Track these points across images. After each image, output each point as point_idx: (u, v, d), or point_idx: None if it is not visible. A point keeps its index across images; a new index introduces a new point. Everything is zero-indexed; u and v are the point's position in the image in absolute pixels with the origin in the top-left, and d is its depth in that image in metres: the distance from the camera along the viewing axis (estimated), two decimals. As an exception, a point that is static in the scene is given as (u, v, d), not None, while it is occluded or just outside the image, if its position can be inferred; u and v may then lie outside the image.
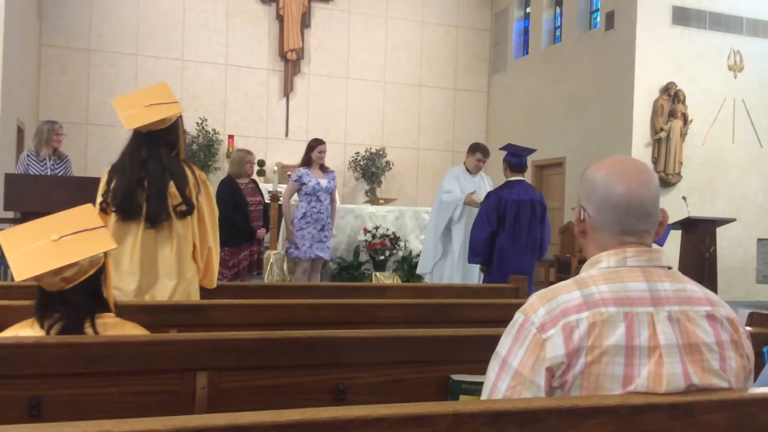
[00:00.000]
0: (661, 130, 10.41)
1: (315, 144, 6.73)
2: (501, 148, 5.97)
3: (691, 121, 10.57)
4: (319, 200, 6.66)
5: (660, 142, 10.46)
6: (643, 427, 1.43)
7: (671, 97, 10.48)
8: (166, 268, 3.26)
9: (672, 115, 10.46)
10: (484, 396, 1.57)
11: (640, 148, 10.48)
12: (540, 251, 5.84)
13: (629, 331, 1.47)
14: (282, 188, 10.61)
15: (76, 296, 2.08)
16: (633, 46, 10.47)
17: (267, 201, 7.16)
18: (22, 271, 1.98)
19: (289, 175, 12.18)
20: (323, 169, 6.80)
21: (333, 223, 6.96)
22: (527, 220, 5.67)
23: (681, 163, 10.55)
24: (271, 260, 7.84)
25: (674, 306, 1.52)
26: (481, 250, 5.64)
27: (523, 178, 5.85)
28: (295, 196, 6.87)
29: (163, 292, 3.25)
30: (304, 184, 6.64)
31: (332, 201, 6.87)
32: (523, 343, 1.50)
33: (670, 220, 6.74)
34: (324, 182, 6.69)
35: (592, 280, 1.54)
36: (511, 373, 1.50)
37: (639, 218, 1.58)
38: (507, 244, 5.60)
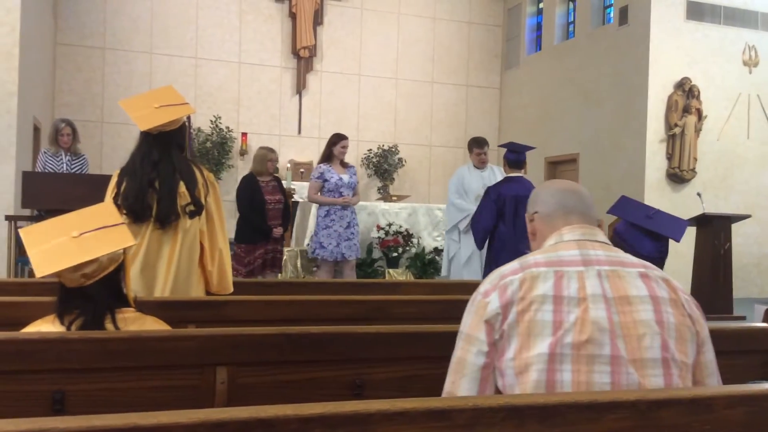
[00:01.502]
0: (676, 125, 10.35)
1: (337, 139, 6.63)
2: (500, 146, 6.19)
3: (706, 116, 10.50)
4: (342, 196, 6.56)
5: (674, 138, 10.40)
6: (662, 421, 1.43)
7: (685, 93, 10.41)
8: (170, 266, 3.25)
9: (686, 110, 10.39)
10: (449, 369, 1.70)
11: (655, 144, 10.43)
12: None
13: (558, 284, 1.60)
14: (294, 186, 10.67)
15: (95, 292, 2.11)
16: (647, 41, 10.41)
17: (292, 199, 7.07)
18: (42, 267, 2.01)
19: (302, 173, 12.28)
20: (343, 164, 6.70)
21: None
22: (513, 212, 5.91)
23: (695, 159, 10.48)
24: (284, 257, 7.86)
25: (605, 266, 1.64)
26: (481, 242, 5.95)
27: (521, 174, 6.02)
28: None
29: (163, 288, 3.24)
30: (326, 180, 6.53)
31: (354, 196, 6.73)
32: (472, 310, 1.68)
33: (685, 217, 6.72)
34: (346, 177, 6.59)
35: (532, 255, 1.72)
36: (463, 337, 1.67)
37: (578, 200, 1.80)
38: (507, 235, 5.82)
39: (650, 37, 10.37)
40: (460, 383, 1.63)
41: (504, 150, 6.25)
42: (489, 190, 5.94)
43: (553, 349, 1.53)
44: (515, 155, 5.99)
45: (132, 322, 2.17)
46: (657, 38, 10.39)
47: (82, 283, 2.10)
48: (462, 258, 6.70)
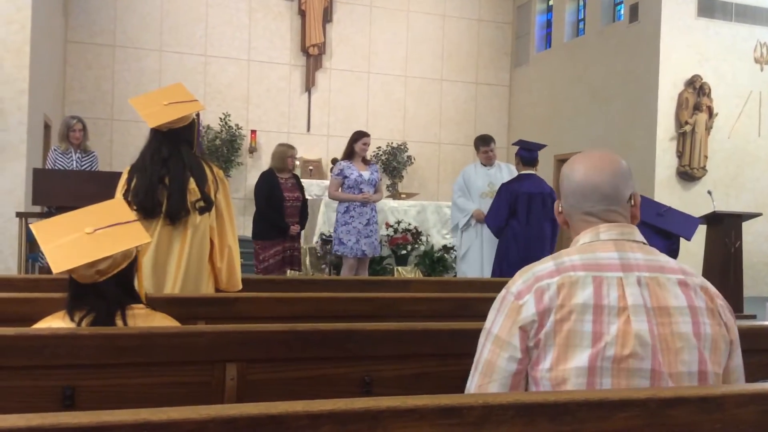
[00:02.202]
0: (686, 123, 10.30)
1: (359, 136, 6.58)
2: (514, 143, 6.27)
3: (717, 114, 10.44)
4: (362, 193, 6.49)
5: (685, 136, 10.35)
6: (673, 420, 1.43)
7: (696, 90, 10.36)
8: (180, 263, 3.26)
9: (697, 108, 10.34)
10: (473, 367, 1.66)
11: (665, 142, 10.38)
12: (552, 241, 6.15)
13: (597, 292, 1.54)
14: (304, 183, 10.67)
15: (108, 288, 2.12)
16: (657, 38, 10.35)
17: (306, 197, 7.03)
18: (58, 263, 2.01)
19: (311, 170, 12.29)
20: (365, 161, 6.66)
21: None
22: (538, 211, 5.97)
23: (706, 157, 10.43)
24: (300, 243, 7.81)
25: (644, 272, 1.59)
26: (497, 235, 6.06)
27: (534, 172, 6.10)
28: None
29: (173, 284, 3.25)
30: (346, 177, 6.48)
31: (377, 193, 6.67)
32: (503, 311, 1.61)
33: (696, 215, 6.68)
34: (366, 174, 6.53)
35: (566, 254, 1.64)
36: (492, 339, 1.61)
37: (596, 201, 1.68)
38: (519, 232, 5.93)
39: (661, 34, 10.32)
40: (489, 388, 1.59)
41: (514, 147, 6.34)
42: (502, 188, 6.01)
43: (594, 363, 1.50)
44: (528, 153, 6.06)
45: (142, 319, 2.18)
46: (668, 35, 10.34)
47: (96, 280, 2.11)
48: (460, 253, 6.77)
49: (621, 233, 1.66)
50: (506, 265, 5.86)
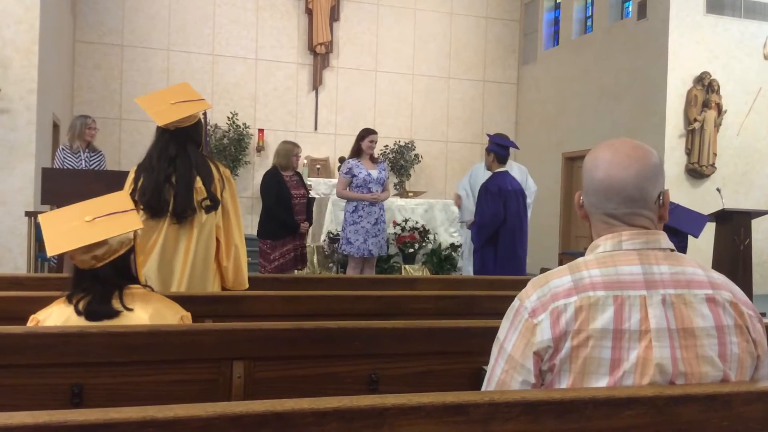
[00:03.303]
0: (695, 120, 10.25)
1: (365, 134, 6.53)
2: (490, 136, 6.23)
3: (726, 111, 10.39)
4: (371, 192, 6.45)
5: (693, 133, 10.30)
6: (680, 418, 1.42)
7: (705, 87, 10.30)
8: (186, 261, 3.27)
9: (706, 105, 10.29)
10: (486, 378, 1.59)
11: (674, 139, 10.34)
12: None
13: (618, 315, 1.45)
14: (311, 182, 10.70)
15: (106, 274, 2.19)
16: (666, 35, 10.31)
17: (312, 195, 6.99)
18: (54, 246, 2.12)
19: (318, 169, 12.31)
20: (373, 159, 6.62)
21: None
22: (520, 208, 6.00)
23: (715, 155, 10.38)
24: (307, 241, 7.82)
25: (669, 289, 1.49)
26: (492, 236, 5.88)
27: (507, 169, 6.09)
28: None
29: (179, 283, 3.26)
30: (354, 176, 6.44)
31: (384, 192, 6.62)
32: (517, 327, 1.52)
33: (705, 212, 6.66)
34: (375, 173, 6.48)
35: (585, 265, 1.53)
36: (506, 357, 1.53)
37: (619, 203, 1.55)
38: (507, 230, 5.90)
39: (669, 31, 10.27)
40: None
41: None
42: (487, 186, 5.94)
43: None
44: (504, 150, 6.06)
45: (140, 297, 2.24)
46: (676, 32, 10.29)
47: (93, 265, 2.18)
48: (464, 250, 6.77)
49: (646, 242, 1.54)
50: (492, 263, 5.81)
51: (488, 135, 6.51)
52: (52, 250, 2.11)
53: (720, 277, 1.56)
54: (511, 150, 6.63)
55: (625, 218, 1.56)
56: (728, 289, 1.54)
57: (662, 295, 1.48)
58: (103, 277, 2.19)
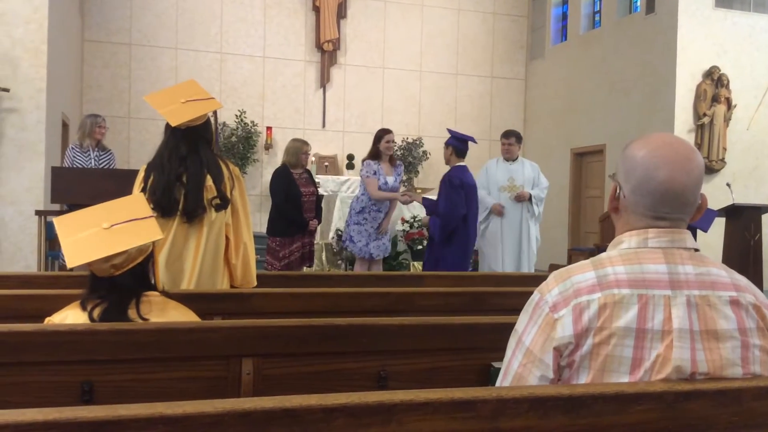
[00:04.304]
0: (704, 115, 10.19)
1: (382, 134, 6.46)
2: (449, 131, 6.30)
3: (735, 105, 10.32)
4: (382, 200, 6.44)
5: (703, 128, 10.25)
6: (689, 413, 1.42)
7: (714, 82, 10.25)
8: (196, 260, 3.27)
9: (715, 100, 10.23)
10: (501, 371, 1.58)
11: (683, 134, 10.27)
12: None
13: (642, 314, 1.43)
14: (319, 179, 10.70)
15: (124, 281, 2.17)
16: (675, 29, 10.25)
17: (321, 193, 6.99)
18: (74, 257, 2.08)
19: (326, 166, 12.31)
20: (392, 161, 6.56)
21: (388, 219, 6.64)
22: (477, 203, 6.10)
23: (725, 149, 10.32)
24: (316, 238, 7.82)
25: (694, 290, 1.47)
26: (455, 228, 5.84)
27: (465, 164, 6.11)
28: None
29: (189, 281, 3.27)
30: (380, 176, 6.37)
31: (416, 193, 6.67)
32: (537, 321, 1.50)
33: (715, 207, 6.62)
34: (391, 180, 6.43)
35: (609, 261, 1.51)
36: (524, 351, 1.51)
37: (675, 208, 1.51)
38: (472, 226, 5.99)
39: (678, 25, 10.21)
40: None
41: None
42: (451, 179, 5.90)
43: None
44: (463, 144, 6.07)
45: (157, 306, 2.23)
46: (685, 27, 10.23)
47: (112, 273, 2.16)
48: (493, 253, 6.76)
49: (671, 240, 1.51)
50: (451, 258, 5.78)
51: (448, 129, 6.57)
52: (72, 262, 2.07)
53: (743, 280, 1.55)
54: (522, 146, 6.65)
55: (674, 223, 1.53)
56: (751, 292, 1.53)
57: (687, 295, 1.46)
58: (120, 285, 2.17)
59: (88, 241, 2.10)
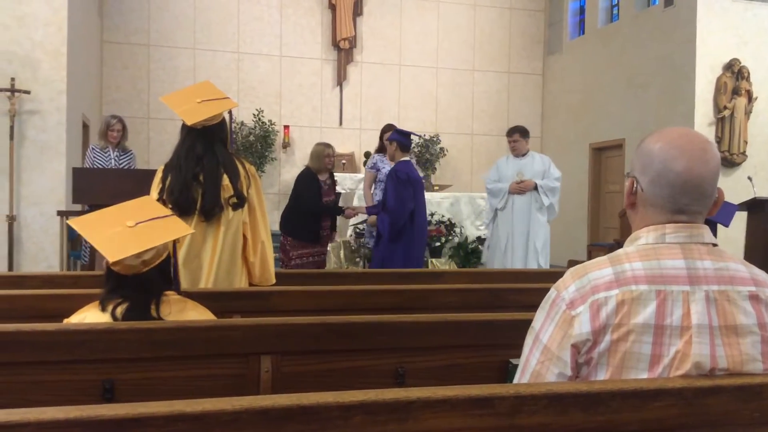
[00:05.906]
0: (725, 108, 10.08)
1: (388, 129, 6.56)
2: (392, 125, 6.41)
3: (756, 98, 10.19)
4: None
5: (723, 121, 10.13)
6: (709, 409, 1.41)
7: (735, 74, 10.12)
8: (214, 258, 3.30)
9: (736, 92, 10.10)
10: (519, 369, 1.57)
11: (703, 128, 10.17)
12: None
13: (660, 310, 1.42)
14: (337, 177, 10.70)
15: (151, 278, 2.21)
16: (694, 22, 10.14)
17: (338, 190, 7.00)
18: (113, 252, 2.11)
19: (343, 164, 12.32)
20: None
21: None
22: (424, 199, 6.09)
23: (746, 142, 10.20)
24: (327, 248, 7.88)
25: (713, 285, 1.46)
26: (404, 225, 5.80)
27: (410, 159, 6.14)
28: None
29: (207, 279, 3.29)
30: (378, 170, 6.47)
31: None
32: (554, 318, 1.50)
33: (737, 201, 6.54)
34: None
35: (627, 257, 1.50)
36: (541, 348, 1.50)
37: (694, 199, 1.50)
38: (420, 223, 5.95)
39: (697, 18, 10.10)
40: None
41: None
42: (397, 173, 5.84)
43: None
44: (406, 139, 6.06)
45: (176, 305, 2.27)
46: (704, 19, 10.11)
47: (140, 270, 2.20)
48: (501, 246, 6.71)
49: (689, 235, 1.50)
50: (401, 254, 5.72)
51: (389, 124, 6.65)
52: (111, 256, 2.10)
53: (762, 274, 1.54)
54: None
55: (692, 214, 1.52)
56: None
57: (705, 291, 1.45)
58: (147, 281, 2.20)
59: (120, 238, 2.14)
